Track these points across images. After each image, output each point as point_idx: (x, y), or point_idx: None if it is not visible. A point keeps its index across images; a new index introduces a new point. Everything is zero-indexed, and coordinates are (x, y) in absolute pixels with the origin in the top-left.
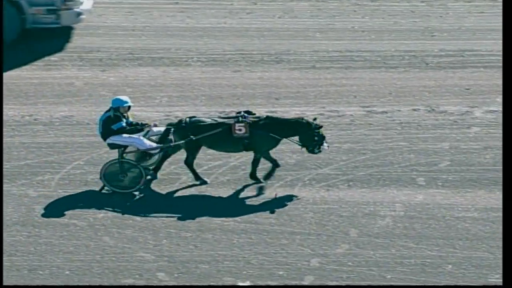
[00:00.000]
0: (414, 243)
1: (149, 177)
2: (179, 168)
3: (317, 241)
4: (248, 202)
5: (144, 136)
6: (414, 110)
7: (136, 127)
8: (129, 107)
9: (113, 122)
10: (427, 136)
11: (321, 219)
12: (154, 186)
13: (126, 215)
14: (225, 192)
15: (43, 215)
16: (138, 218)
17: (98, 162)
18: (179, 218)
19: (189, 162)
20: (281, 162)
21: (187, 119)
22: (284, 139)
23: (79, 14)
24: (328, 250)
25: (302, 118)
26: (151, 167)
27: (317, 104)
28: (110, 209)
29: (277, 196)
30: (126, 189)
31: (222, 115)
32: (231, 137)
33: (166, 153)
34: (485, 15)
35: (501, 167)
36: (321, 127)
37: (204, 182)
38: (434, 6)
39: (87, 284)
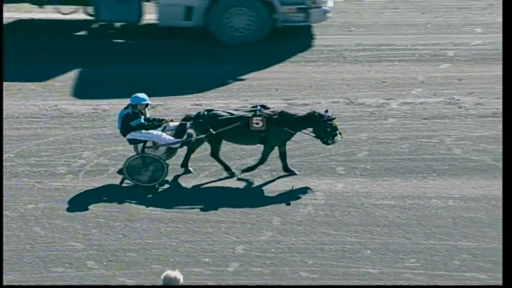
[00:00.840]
0: (335, 230)
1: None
2: (107, 159)
3: (242, 229)
4: (175, 192)
5: (162, 131)
6: (334, 102)
7: (154, 123)
8: (147, 104)
9: (132, 119)
10: (346, 127)
11: (245, 208)
12: (82, 177)
13: (56, 206)
14: None
15: None
16: (68, 209)
17: (28, 154)
18: (108, 208)
19: (214, 154)
20: (206, 153)
21: (205, 113)
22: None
23: (326, 12)
24: (252, 237)
25: (314, 112)
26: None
27: (240, 97)
28: (41, 200)
29: (294, 188)
30: (147, 183)
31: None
32: (248, 130)
33: (190, 148)
34: (399, 11)
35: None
36: (333, 119)
37: (232, 175)
38: (350, 3)
39: (17, 283)
